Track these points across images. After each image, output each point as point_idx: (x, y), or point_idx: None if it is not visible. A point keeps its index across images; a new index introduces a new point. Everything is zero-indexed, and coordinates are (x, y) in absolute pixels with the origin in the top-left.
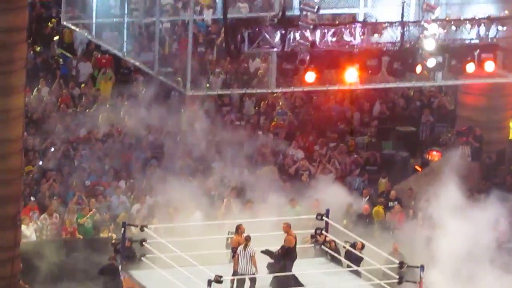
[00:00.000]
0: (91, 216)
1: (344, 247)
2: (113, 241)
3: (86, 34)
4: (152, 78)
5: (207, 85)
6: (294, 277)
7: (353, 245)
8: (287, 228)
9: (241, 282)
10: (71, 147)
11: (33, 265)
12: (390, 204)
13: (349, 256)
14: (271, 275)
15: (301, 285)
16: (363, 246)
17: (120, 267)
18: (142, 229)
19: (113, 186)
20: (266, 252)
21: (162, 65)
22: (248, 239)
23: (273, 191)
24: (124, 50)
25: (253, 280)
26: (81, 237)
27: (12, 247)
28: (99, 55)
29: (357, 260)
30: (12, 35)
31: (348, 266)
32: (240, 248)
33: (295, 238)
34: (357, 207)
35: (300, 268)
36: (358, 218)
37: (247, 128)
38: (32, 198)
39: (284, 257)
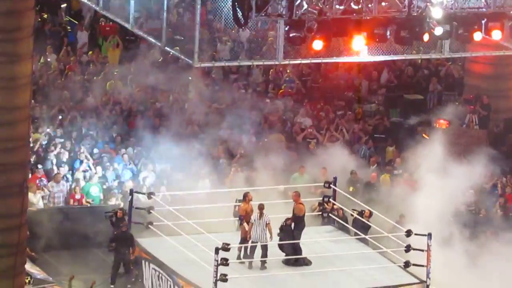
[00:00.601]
0: (98, 184)
1: (351, 215)
2: (108, 212)
3: (93, 5)
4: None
5: (214, 52)
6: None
7: (361, 213)
8: (297, 197)
9: (252, 250)
10: (78, 115)
11: (40, 232)
12: (395, 172)
13: (357, 224)
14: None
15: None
16: (370, 214)
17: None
18: (149, 197)
19: (121, 153)
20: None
21: (170, 36)
22: (261, 207)
23: (280, 159)
24: (131, 21)
25: (265, 248)
26: (88, 204)
27: (19, 215)
28: (103, 23)
29: (365, 228)
30: (19, 2)
31: (356, 234)
32: (255, 216)
33: (304, 207)
34: (363, 175)
35: (308, 236)
36: (365, 186)
37: (255, 96)
38: (40, 166)
39: (293, 226)
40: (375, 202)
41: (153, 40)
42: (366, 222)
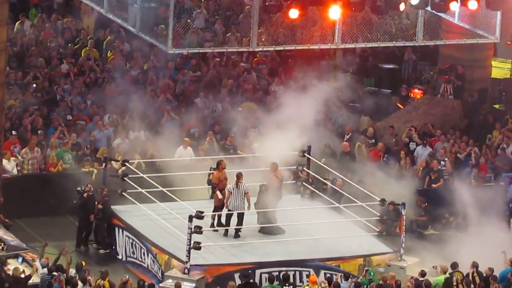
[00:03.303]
0: (70, 151)
1: (324, 183)
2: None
3: None
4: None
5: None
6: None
7: (333, 182)
8: (274, 167)
9: (228, 218)
10: (53, 82)
11: (14, 199)
12: (371, 141)
13: (330, 192)
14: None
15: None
16: (343, 183)
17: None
18: (123, 164)
19: (95, 120)
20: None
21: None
22: (239, 176)
23: (254, 127)
24: (106, 5)
25: (241, 217)
26: (62, 171)
27: None
28: None
29: (338, 197)
30: None
31: (329, 203)
32: (232, 185)
33: (281, 177)
34: (338, 144)
35: (282, 205)
36: (341, 155)
37: (229, 64)
38: (14, 132)
39: (268, 195)
40: (350, 171)
41: (127, 26)
42: (339, 190)
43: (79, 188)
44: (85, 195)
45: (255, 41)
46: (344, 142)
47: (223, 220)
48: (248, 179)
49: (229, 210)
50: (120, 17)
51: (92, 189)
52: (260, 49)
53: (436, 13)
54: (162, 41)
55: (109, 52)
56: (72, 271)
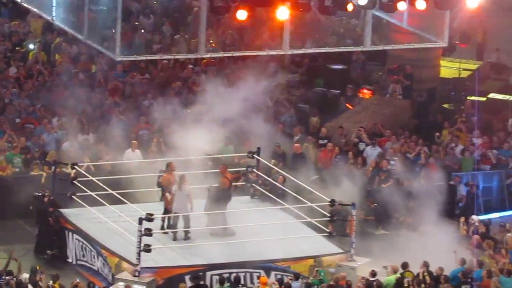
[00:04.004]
0: (17, 155)
1: (269, 183)
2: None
3: None
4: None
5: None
6: (226, 218)
7: (275, 179)
8: (224, 169)
9: (175, 220)
10: (0, 85)
11: None
12: (321, 142)
13: (280, 194)
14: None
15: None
16: (284, 180)
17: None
18: (72, 167)
19: (44, 123)
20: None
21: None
22: (183, 178)
23: (204, 130)
24: (53, 14)
25: (187, 219)
26: (11, 175)
27: None
28: None
29: (288, 198)
30: None
31: (279, 204)
32: (175, 187)
33: (230, 179)
34: (288, 144)
35: (232, 206)
36: (293, 157)
37: (177, 66)
38: None
39: (218, 197)
40: (302, 173)
41: (74, 33)
42: (287, 190)
43: (36, 193)
44: (46, 199)
45: (203, 48)
46: (296, 144)
47: (171, 222)
48: (196, 181)
49: (174, 213)
50: (68, 23)
51: (48, 193)
52: (208, 55)
53: (385, 17)
54: (110, 48)
55: (57, 55)
56: (24, 275)
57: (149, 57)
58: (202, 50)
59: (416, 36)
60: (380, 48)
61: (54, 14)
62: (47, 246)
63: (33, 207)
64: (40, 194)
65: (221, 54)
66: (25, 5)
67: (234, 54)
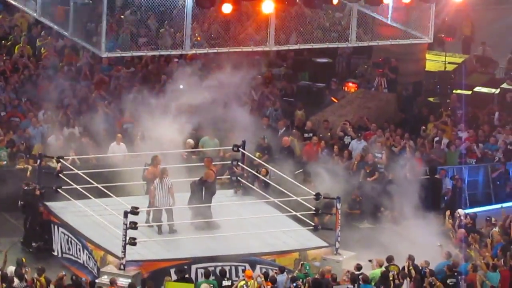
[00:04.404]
0: (3, 148)
1: (253, 176)
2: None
3: None
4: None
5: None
6: (210, 211)
7: (258, 171)
8: (209, 162)
9: (157, 214)
10: None
11: None
12: (306, 135)
13: (265, 187)
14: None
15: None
16: (267, 172)
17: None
18: (58, 161)
19: (29, 117)
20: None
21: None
22: (164, 171)
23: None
24: (38, 9)
25: (170, 212)
26: None
27: None
28: None
29: (273, 191)
30: None
31: (264, 198)
32: (157, 180)
33: (215, 172)
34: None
35: (217, 200)
36: (280, 150)
37: (162, 60)
38: None
39: (202, 190)
40: (287, 166)
41: (59, 29)
42: (272, 183)
43: (26, 187)
44: (37, 192)
45: (188, 43)
46: (285, 137)
47: (150, 217)
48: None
49: (156, 206)
50: (52, 19)
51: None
52: (193, 51)
53: (369, 13)
54: (95, 44)
55: (42, 48)
56: (10, 268)
57: (134, 53)
58: (187, 46)
59: (402, 30)
60: (365, 44)
61: (39, 9)
62: (34, 239)
63: (22, 201)
64: (30, 187)
65: (206, 50)
66: (11, 1)
67: (219, 50)
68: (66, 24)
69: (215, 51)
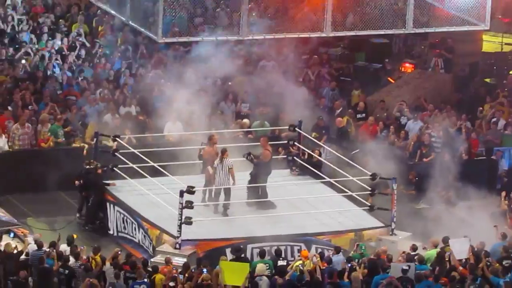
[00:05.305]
0: (60, 127)
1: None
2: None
3: None
4: None
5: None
6: (266, 191)
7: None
8: (265, 142)
9: (216, 194)
10: (44, 57)
11: (5, 175)
12: (359, 116)
13: (318, 166)
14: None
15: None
16: (320, 153)
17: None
18: (114, 140)
19: (85, 95)
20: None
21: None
22: (224, 151)
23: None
24: None
25: (228, 192)
26: (53, 146)
27: None
28: None
29: (329, 171)
30: None
31: (320, 178)
32: (217, 161)
33: (271, 152)
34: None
35: (273, 180)
36: (336, 131)
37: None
38: (10, 108)
39: (259, 170)
40: (344, 146)
41: (116, 14)
42: (325, 161)
43: (87, 166)
44: (99, 171)
45: (245, 29)
46: (338, 118)
47: (213, 195)
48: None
49: (216, 186)
50: (110, 4)
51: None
52: (250, 37)
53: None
54: (152, 24)
55: (99, 27)
56: (63, 246)
57: (191, 39)
58: (244, 32)
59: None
60: (421, 31)
61: None
62: (96, 218)
63: (83, 179)
64: (92, 166)
65: (262, 36)
66: None
67: (276, 36)
68: (123, 6)
69: (272, 37)
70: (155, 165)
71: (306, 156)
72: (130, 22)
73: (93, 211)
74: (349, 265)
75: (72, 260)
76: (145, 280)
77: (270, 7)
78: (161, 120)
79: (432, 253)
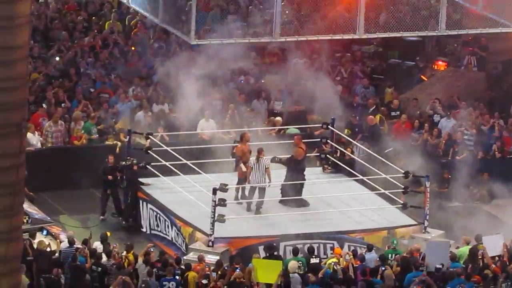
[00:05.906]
0: (93, 124)
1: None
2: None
3: None
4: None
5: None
6: (300, 189)
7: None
8: (298, 140)
9: (250, 192)
10: (77, 54)
11: (38, 172)
12: (393, 113)
13: (350, 163)
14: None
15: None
16: (352, 152)
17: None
18: (147, 137)
19: (118, 93)
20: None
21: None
22: (260, 151)
23: (277, 100)
24: None
25: (262, 192)
26: (86, 144)
27: (17, 154)
28: None
29: (357, 166)
30: None
31: (353, 176)
32: (253, 160)
33: (305, 150)
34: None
35: (306, 178)
36: (368, 129)
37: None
38: (44, 105)
39: (292, 168)
40: (376, 144)
41: (149, 16)
42: (357, 159)
43: (124, 163)
44: (135, 168)
45: (278, 32)
46: (369, 116)
47: (246, 193)
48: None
49: (251, 185)
50: (143, 6)
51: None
52: (283, 39)
53: (460, 1)
54: (185, 22)
55: (132, 23)
56: (96, 244)
57: (225, 41)
58: (277, 34)
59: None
60: (454, 33)
61: None
62: (131, 216)
63: (120, 177)
64: (128, 163)
65: (296, 38)
66: None
67: (309, 38)
68: (156, 8)
69: (305, 39)
70: (188, 162)
71: (338, 154)
72: (163, 25)
73: (131, 207)
74: (383, 268)
75: (104, 258)
76: (176, 277)
77: (303, 7)
78: (194, 117)
79: (464, 250)
